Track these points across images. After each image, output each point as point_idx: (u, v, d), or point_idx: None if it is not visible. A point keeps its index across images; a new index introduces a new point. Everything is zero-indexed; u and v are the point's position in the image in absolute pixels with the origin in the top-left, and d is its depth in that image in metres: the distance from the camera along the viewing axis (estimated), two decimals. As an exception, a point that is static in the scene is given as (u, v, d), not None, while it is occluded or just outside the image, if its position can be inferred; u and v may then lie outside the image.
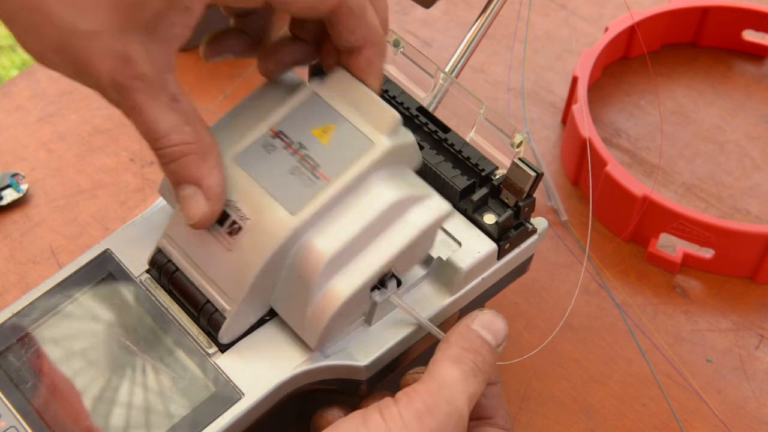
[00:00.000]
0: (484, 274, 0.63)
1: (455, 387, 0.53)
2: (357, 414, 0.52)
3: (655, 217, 0.80)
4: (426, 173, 0.64)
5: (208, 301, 0.57)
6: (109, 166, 0.84)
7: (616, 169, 0.80)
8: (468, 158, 0.64)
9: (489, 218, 0.63)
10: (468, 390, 0.53)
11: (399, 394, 0.52)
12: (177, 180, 0.53)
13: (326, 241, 0.54)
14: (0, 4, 0.47)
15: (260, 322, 0.59)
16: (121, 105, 0.50)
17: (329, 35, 0.56)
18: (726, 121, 0.92)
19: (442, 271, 0.62)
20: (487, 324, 0.57)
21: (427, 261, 0.62)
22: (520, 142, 0.63)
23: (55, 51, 0.48)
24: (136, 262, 0.61)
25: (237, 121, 0.59)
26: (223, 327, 0.57)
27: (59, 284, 0.60)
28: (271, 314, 0.60)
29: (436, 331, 0.58)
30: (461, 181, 0.64)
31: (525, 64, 0.94)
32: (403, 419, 0.51)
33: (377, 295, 0.59)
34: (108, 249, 0.62)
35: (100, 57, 0.47)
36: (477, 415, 0.58)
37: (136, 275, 0.60)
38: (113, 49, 0.47)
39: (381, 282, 0.60)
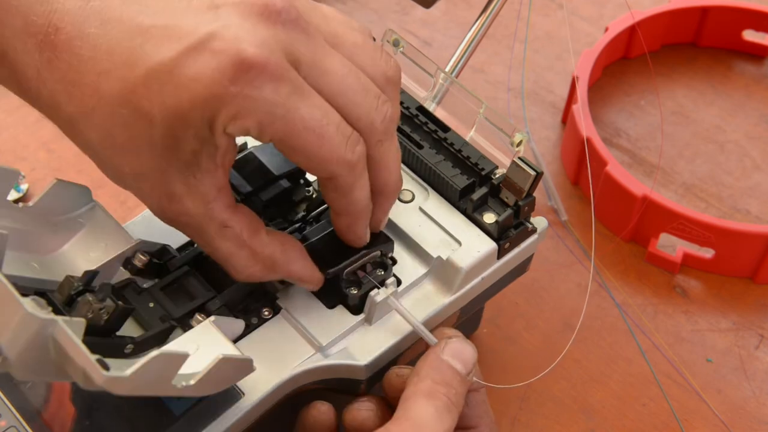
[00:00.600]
0: (484, 274, 0.63)
1: (430, 427, 0.52)
2: None
3: (655, 217, 0.80)
4: (426, 173, 0.65)
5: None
6: (109, 166, 0.84)
7: (616, 169, 0.80)
8: (468, 157, 0.64)
9: (489, 217, 0.63)
10: (443, 427, 0.53)
11: None
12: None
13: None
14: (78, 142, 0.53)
15: (260, 322, 0.59)
16: (185, 234, 0.54)
17: None
18: (726, 121, 0.92)
19: (442, 271, 0.62)
20: (456, 353, 0.56)
21: (427, 260, 0.62)
22: (520, 142, 0.63)
23: (117, 181, 0.53)
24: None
25: None
26: None
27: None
28: (273, 313, 0.60)
29: (428, 336, 0.58)
30: (461, 181, 0.64)
31: (525, 64, 0.94)
32: None
33: (377, 295, 0.59)
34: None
35: (148, 196, 0.52)
36: (461, 425, 0.57)
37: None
38: (158, 189, 0.51)
39: (381, 282, 0.60)
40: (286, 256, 0.56)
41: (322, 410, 0.57)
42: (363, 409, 0.57)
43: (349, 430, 0.57)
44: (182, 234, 0.62)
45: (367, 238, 0.60)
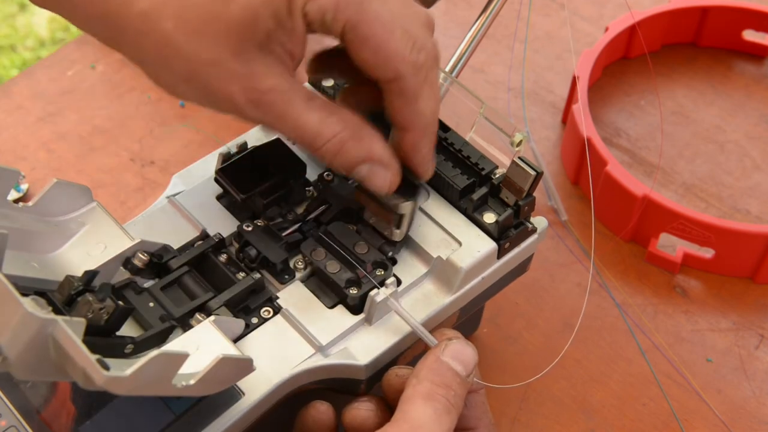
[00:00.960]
0: (484, 274, 0.63)
1: (429, 428, 0.52)
2: None
3: (655, 217, 0.80)
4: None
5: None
6: (109, 166, 0.85)
7: (616, 168, 0.80)
8: (468, 157, 0.64)
9: (489, 217, 0.63)
10: (442, 429, 0.53)
11: None
12: (349, 166, 0.56)
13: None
14: (132, 46, 0.52)
15: (260, 322, 0.60)
16: (264, 119, 0.53)
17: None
18: (726, 121, 0.92)
19: (442, 270, 0.62)
20: (456, 354, 0.56)
21: (428, 260, 0.62)
22: (520, 141, 0.63)
23: (186, 81, 0.52)
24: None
25: None
26: None
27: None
28: (273, 313, 0.60)
29: (428, 338, 0.58)
30: (461, 180, 0.64)
31: (525, 63, 0.94)
32: None
33: (377, 295, 0.59)
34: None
35: (227, 81, 0.51)
36: (460, 426, 0.57)
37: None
38: (238, 71, 0.51)
39: (381, 281, 0.60)
40: (371, 131, 0.56)
41: (321, 410, 0.57)
42: (363, 409, 0.57)
43: (349, 430, 0.57)
44: (182, 234, 0.62)
45: (432, 169, 0.60)
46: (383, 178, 0.57)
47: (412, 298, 0.61)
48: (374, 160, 0.56)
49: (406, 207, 0.60)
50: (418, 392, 0.54)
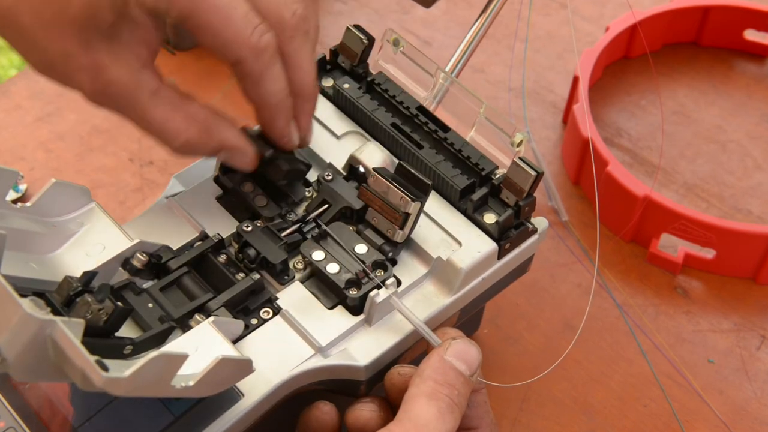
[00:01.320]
0: (485, 274, 0.63)
1: (431, 428, 0.52)
2: None
3: (656, 218, 0.80)
4: (426, 173, 0.65)
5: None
6: (108, 166, 0.85)
7: (617, 169, 0.80)
8: (468, 157, 0.64)
9: (489, 218, 0.63)
10: (445, 428, 0.53)
11: None
12: (208, 155, 0.59)
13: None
14: (5, 37, 0.54)
15: (260, 323, 0.59)
16: (115, 110, 0.55)
17: None
18: (727, 121, 0.92)
19: (442, 271, 0.62)
20: (460, 354, 0.56)
21: (428, 260, 0.62)
22: (521, 141, 0.63)
23: (46, 70, 0.54)
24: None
25: None
26: None
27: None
28: (272, 314, 0.60)
29: (432, 337, 0.58)
30: (461, 181, 0.64)
31: (525, 63, 0.94)
32: None
33: (377, 296, 0.59)
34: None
35: (76, 72, 0.53)
36: (462, 425, 0.56)
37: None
38: (84, 62, 0.53)
39: (379, 285, 0.60)
40: (220, 121, 0.57)
41: (324, 410, 0.57)
42: (365, 410, 0.57)
43: (352, 431, 0.57)
44: (181, 234, 0.62)
45: (295, 139, 0.61)
46: (242, 160, 0.60)
47: (413, 299, 0.61)
48: (228, 149, 0.58)
49: (413, 207, 0.60)
50: (422, 391, 0.54)
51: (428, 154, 0.65)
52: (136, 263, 0.59)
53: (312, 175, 0.66)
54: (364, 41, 0.67)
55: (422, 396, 0.53)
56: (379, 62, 0.69)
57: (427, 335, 0.58)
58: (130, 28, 0.54)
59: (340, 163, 0.66)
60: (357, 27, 0.68)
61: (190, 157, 0.59)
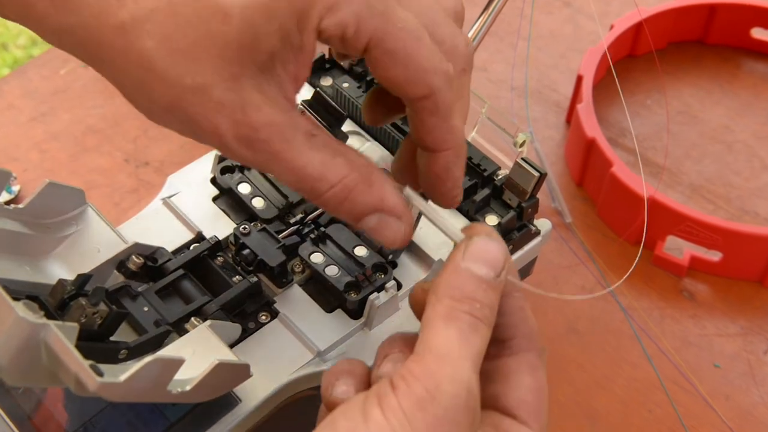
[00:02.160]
0: (487, 277, 0.63)
1: (455, 355, 0.45)
2: (356, 406, 0.46)
3: (661, 219, 0.80)
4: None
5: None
6: (103, 167, 0.85)
7: (622, 169, 0.80)
8: (470, 158, 0.64)
9: (491, 220, 0.63)
10: (471, 353, 0.46)
11: (396, 378, 0.45)
12: (356, 216, 0.49)
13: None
14: (108, 64, 0.45)
15: (257, 327, 0.59)
16: (256, 160, 0.46)
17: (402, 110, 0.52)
18: (734, 121, 0.92)
19: (443, 274, 0.62)
20: (479, 255, 0.48)
21: (429, 263, 0.62)
22: (523, 142, 0.63)
23: (166, 110, 0.45)
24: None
25: None
26: None
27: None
28: (270, 317, 0.60)
29: (455, 234, 0.49)
30: (463, 182, 0.64)
31: (528, 62, 0.94)
32: (404, 411, 0.44)
33: (377, 299, 0.59)
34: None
35: (214, 112, 0.44)
36: (494, 337, 0.49)
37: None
38: (228, 100, 0.44)
39: (379, 288, 0.60)
40: (381, 174, 0.48)
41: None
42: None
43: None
44: (177, 236, 0.62)
45: (461, 196, 0.53)
46: (396, 230, 0.49)
47: (413, 302, 0.61)
48: (385, 210, 0.49)
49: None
50: (438, 313, 0.47)
51: (429, 154, 0.65)
52: (131, 266, 0.59)
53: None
54: None
55: (438, 319, 0.47)
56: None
57: (449, 232, 0.50)
58: (286, 58, 0.45)
59: (339, 164, 0.66)
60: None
61: (335, 213, 0.49)
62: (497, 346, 0.49)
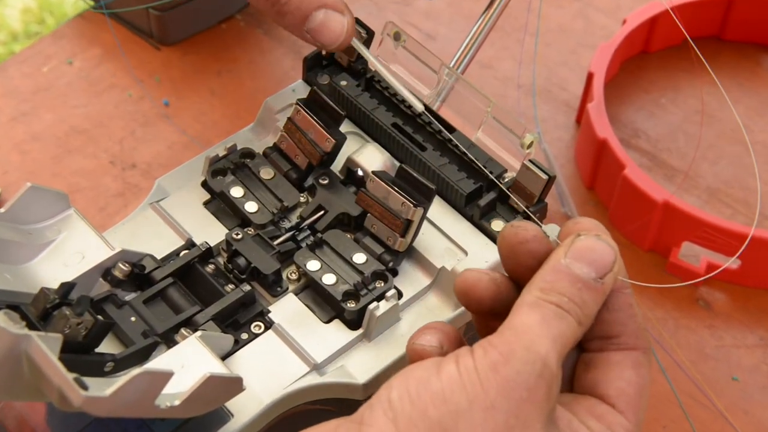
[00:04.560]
0: (492, 286, 0.63)
1: (534, 332, 0.49)
2: (432, 361, 0.50)
3: (676, 225, 0.80)
4: (430, 176, 0.65)
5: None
6: (88, 169, 0.85)
7: (635, 172, 0.80)
8: (474, 160, 0.64)
9: (497, 225, 0.63)
10: (551, 333, 0.49)
11: (475, 345, 0.49)
12: (304, 13, 0.59)
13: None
14: None
15: (251, 338, 0.60)
16: None
17: None
18: (753, 121, 0.92)
19: (446, 282, 0.62)
20: (582, 254, 0.51)
21: (431, 271, 0.62)
22: (531, 143, 0.63)
23: None
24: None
25: None
26: None
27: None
28: (264, 328, 0.60)
29: (414, 102, 0.55)
30: (467, 185, 0.64)
31: (536, 59, 0.94)
32: (477, 371, 0.48)
33: (376, 309, 0.59)
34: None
35: None
36: (600, 334, 0.53)
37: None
38: None
39: (379, 297, 0.60)
40: None
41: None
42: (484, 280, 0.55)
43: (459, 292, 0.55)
44: (166, 242, 0.63)
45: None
46: (341, 23, 0.60)
47: (415, 312, 0.62)
48: (329, 5, 0.59)
49: (416, 213, 0.60)
50: (524, 301, 0.51)
51: (432, 156, 0.65)
52: (117, 274, 0.59)
53: (307, 180, 0.66)
54: (363, 35, 0.68)
55: (524, 306, 0.50)
56: (379, 58, 0.69)
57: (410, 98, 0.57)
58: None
59: (336, 167, 0.66)
60: (355, 20, 0.68)
61: (286, 16, 0.61)
62: (603, 341, 0.53)
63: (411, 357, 0.54)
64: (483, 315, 0.56)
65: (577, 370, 0.54)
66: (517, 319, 0.50)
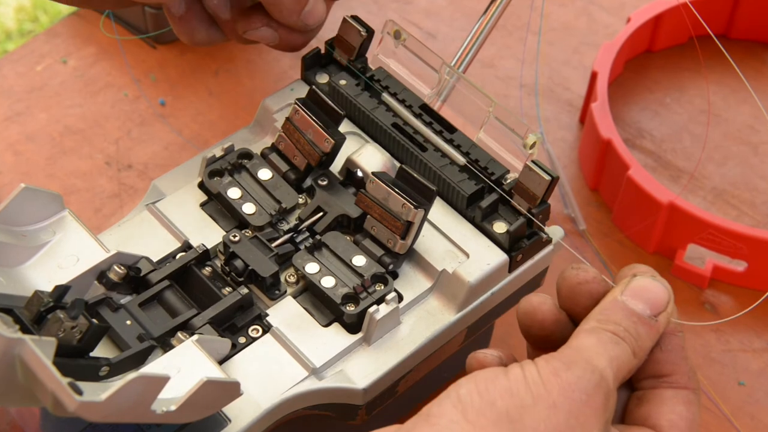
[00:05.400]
0: (494, 289, 0.63)
1: (593, 350, 0.53)
2: (497, 368, 0.53)
3: (682, 227, 0.80)
4: (431, 178, 0.65)
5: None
6: (83, 170, 0.85)
7: (639, 173, 0.80)
8: (476, 161, 0.64)
9: (499, 227, 0.63)
10: (607, 352, 0.53)
11: (537, 358, 0.53)
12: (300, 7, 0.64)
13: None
14: None
15: (248, 342, 0.60)
16: None
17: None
18: (760, 121, 0.92)
19: (447, 285, 0.62)
20: (638, 292, 0.55)
21: (432, 273, 0.62)
22: (534, 143, 0.63)
23: None
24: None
25: None
26: None
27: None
28: (262, 332, 0.60)
29: None
30: (469, 186, 0.64)
31: (539, 58, 0.94)
32: (540, 374, 0.52)
33: (376, 312, 0.59)
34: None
35: None
36: (653, 372, 0.57)
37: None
38: None
39: (379, 300, 0.60)
40: None
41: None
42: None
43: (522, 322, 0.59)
44: (162, 245, 0.63)
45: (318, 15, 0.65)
46: (321, 4, 0.64)
47: (415, 316, 0.62)
48: None
49: (417, 215, 0.60)
50: (583, 329, 0.55)
51: (433, 157, 0.65)
52: (113, 276, 0.59)
53: (305, 181, 0.66)
54: (363, 33, 0.68)
55: (582, 332, 0.55)
56: (379, 56, 0.69)
57: None
58: None
59: (336, 167, 0.66)
60: (354, 18, 0.68)
61: None
62: (655, 380, 0.57)
63: (471, 366, 0.57)
64: (539, 343, 0.59)
65: (629, 405, 0.57)
66: (575, 342, 0.54)
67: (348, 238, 0.63)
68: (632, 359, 0.54)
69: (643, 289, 0.56)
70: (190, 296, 0.60)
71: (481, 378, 0.52)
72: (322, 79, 0.69)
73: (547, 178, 0.61)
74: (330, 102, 0.64)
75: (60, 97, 0.90)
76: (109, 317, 0.58)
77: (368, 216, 0.62)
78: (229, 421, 0.56)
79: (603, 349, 0.53)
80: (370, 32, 0.68)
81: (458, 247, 0.63)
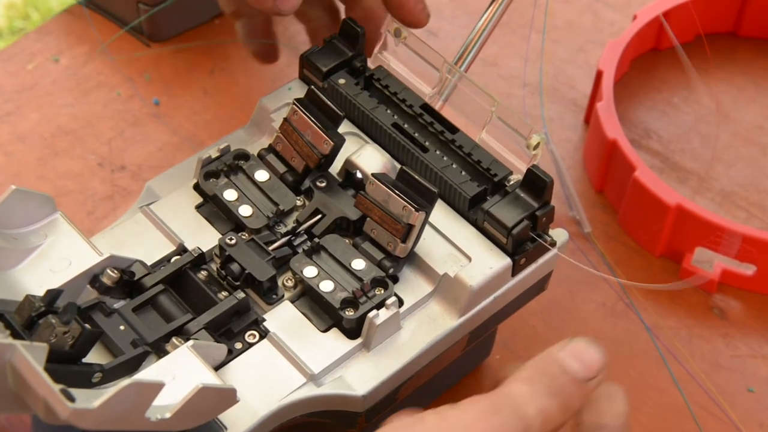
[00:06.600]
0: (497, 293, 0.63)
1: (524, 398, 0.53)
2: (411, 414, 0.53)
3: (689, 229, 0.80)
4: (432, 179, 0.65)
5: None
6: (75, 171, 0.85)
7: (646, 174, 0.81)
8: (479, 162, 0.64)
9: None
10: (538, 404, 0.54)
11: (463, 401, 0.53)
12: None
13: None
14: None
15: (245, 347, 0.60)
16: None
17: None
18: (770, 121, 0.92)
19: (449, 289, 0.62)
20: (575, 352, 0.56)
21: (433, 277, 0.62)
22: (537, 144, 0.63)
23: None
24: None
25: None
26: None
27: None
28: (259, 337, 0.60)
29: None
30: (471, 188, 0.64)
31: (543, 56, 0.94)
32: (466, 416, 0.52)
33: (376, 317, 0.59)
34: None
35: None
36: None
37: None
38: None
39: (379, 304, 0.60)
40: None
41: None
42: None
43: None
44: (156, 248, 0.63)
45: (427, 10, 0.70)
46: None
47: (416, 321, 0.62)
48: None
49: (418, 217, 0.61)
50: (517, 377, 0.55)
51: (434, 158, 0.65)
52: (106, 280, 0.59)
53: (303, 183, 0.66)
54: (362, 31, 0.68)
55: (517, 379, 0.55)
56: (379, 55, 0.69)
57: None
58: None
59: (334, 169, 0.66)
60: (348, 18, 0.69)
61: None
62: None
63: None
64: None
65: None
66: (508, 388, 0.54)
67: (347, 241, 0.63)
68: (560, 416, 0.55)
69: (580, 350, 0.56)
70: (185, 301, 0.60)
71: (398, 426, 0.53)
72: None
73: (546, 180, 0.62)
74: (329, 102, 0.64)
75: (51, 97, 0.90)
76: (102, 322, 0.58)
77: (368, 218, 0.63)
78: (225, 428, 0.56)
79: (534, 400, 0.54)
80: (363, 31, 0.68)
81: (460, 250, 0.63)
